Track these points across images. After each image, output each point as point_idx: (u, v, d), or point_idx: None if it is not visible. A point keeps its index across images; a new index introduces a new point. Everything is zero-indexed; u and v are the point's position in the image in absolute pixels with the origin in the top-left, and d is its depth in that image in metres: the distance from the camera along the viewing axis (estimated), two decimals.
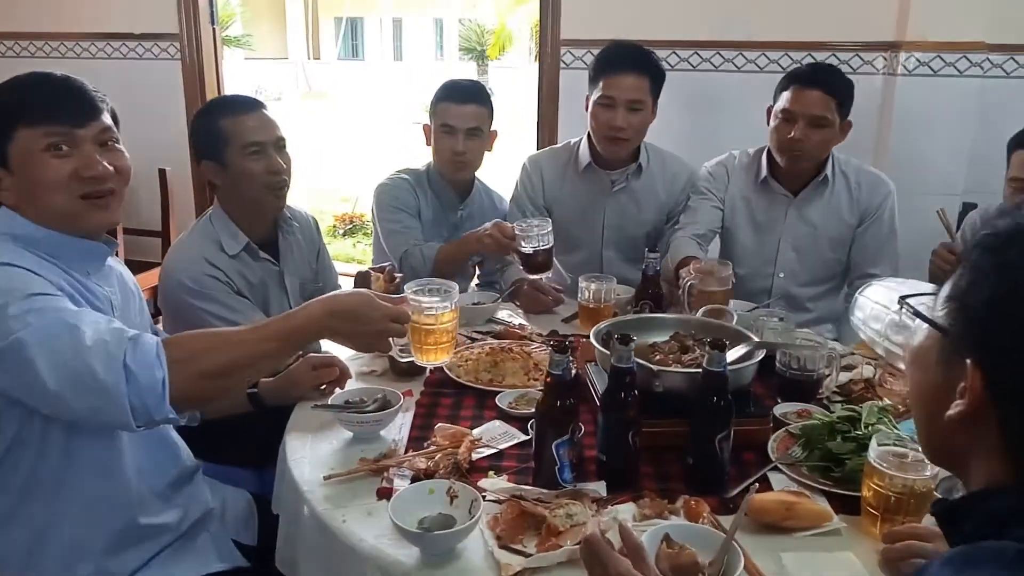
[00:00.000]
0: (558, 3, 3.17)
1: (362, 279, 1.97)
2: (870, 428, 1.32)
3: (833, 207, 2.30)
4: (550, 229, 2.04)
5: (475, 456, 1.34)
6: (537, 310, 2.15)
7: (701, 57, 3.12)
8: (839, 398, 1.63)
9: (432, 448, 1.36)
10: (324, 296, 1.29)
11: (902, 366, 0.94)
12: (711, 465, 1.27)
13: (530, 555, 1.08)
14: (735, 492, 1.25)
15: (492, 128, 2.41)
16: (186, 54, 3.65)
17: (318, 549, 1.23)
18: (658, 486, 1.29)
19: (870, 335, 1.59)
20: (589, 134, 2.41)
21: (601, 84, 2.24)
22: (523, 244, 2.03)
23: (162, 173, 3.21)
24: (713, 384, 1.26)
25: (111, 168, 1.31)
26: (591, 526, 1.00)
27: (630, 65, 2.23)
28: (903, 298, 0.82)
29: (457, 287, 1.48)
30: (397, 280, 1.91)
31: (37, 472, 1.27)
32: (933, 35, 2.80)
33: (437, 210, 2.45)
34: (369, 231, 7.49)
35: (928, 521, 1.18)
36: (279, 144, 1.87)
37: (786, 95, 2.17)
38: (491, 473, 1.29)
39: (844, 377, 1.68)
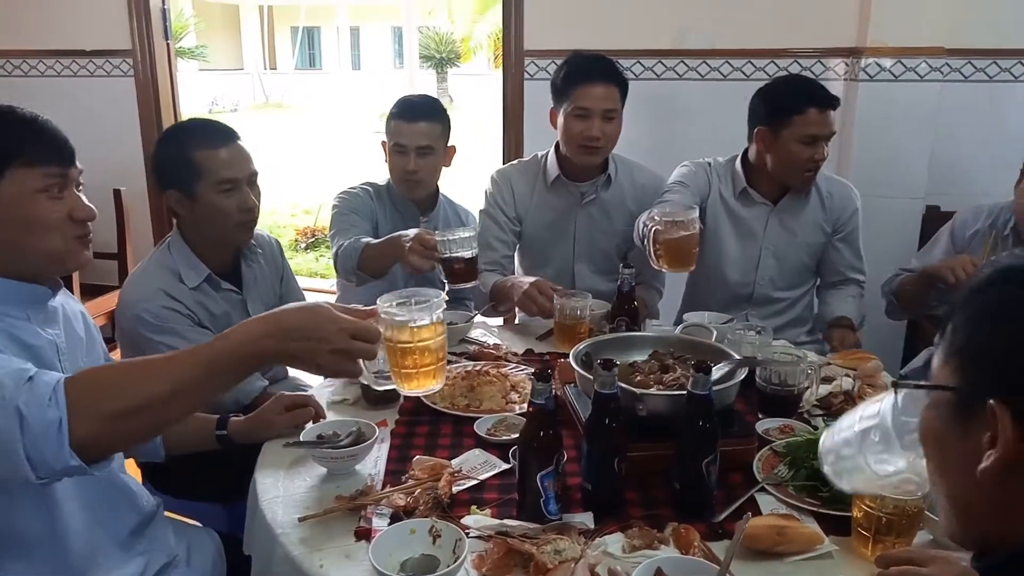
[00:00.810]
0: (521, 13, 3.14)
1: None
2: None
3: (810, 216, 2.32)
4: (473, 235, 1.91)
5: (456, 489, 1.30)
6: (534, 312, 2.04)
7: (665, 66, 3.12)
8: (819, 411, 1.62)
9: (411, 483, 1.32)
10: (267, 312, 1.09)
11: (914, 487, 0.88)
12: (698, 489, 1.25)
13: None
14: (724, 516, 1.23)
15: (450, 144, 2.36)
16: (139, 70, 3.54)
17: None
18: (645, 512, 1.25)
19: (853, 467, 1.40)
20: (557, 147, 2.38)
21: (573, 96, 2.21)
22: (447, 253, 1.88)
23: (117, 194, 3.11)
24: (699, 408, 1.23)
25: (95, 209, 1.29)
26: (581, 569, 0.96)
27: (600, 75, 2.21)
28: (896, 383, 0.80)
29: (442, 295, 1.23)
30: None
31: None
32: (893, 40, 2.83)
33: (398, 222, 2.40)
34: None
35: (919, 541, 1.17)
36: (252, 179, 1.81)
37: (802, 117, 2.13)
38: (474, 508, 1.25)
39: (824, 390, 1.68)
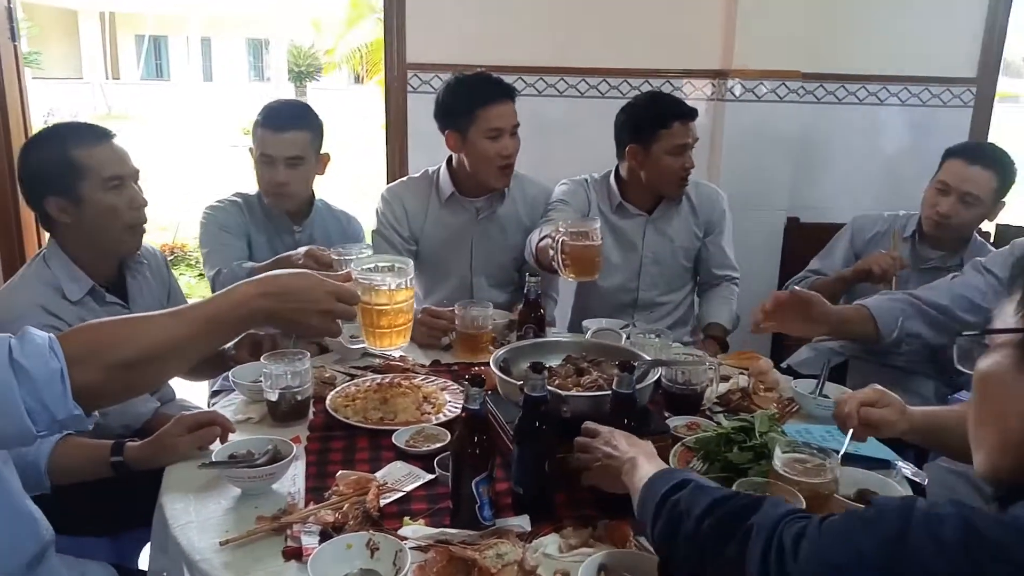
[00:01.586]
0: (403, 27, 3.13)
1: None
2: (764, 436, 1.39)
3: (683, 221, 2.48)
4: (371, 254, 1.88)
5: (383, 502, 1.27)
6: (428, 341, 2.03)
7: (546, 83, 3.20)
8: (720, 408, 1.71)
9: (335, 499, 1.27)
10: (258, 276, 1.13)
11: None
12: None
13: None
14: None
15: (323, 151, 2.29)
16: None
17: None
18: (575, 513, 1.28)
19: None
20: (449, 163, 2.39)
21: (481, 117, 2.21)
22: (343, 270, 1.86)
23: None
24: (623, 406, 1.27)
25: None
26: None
27: (502, 94, 2.24)
28: (959, 335, 0.90)
29: (411, 263, 1.37)
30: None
31: None
32: (755, 64, 3.05)
33: (270, 232, 2.32)
34: (192, 261, 7.01)
35: None
36: (136, 177, 1.73)
37: None
38: (407, 519, 1.22)
39: (723, 388, 1.77)
